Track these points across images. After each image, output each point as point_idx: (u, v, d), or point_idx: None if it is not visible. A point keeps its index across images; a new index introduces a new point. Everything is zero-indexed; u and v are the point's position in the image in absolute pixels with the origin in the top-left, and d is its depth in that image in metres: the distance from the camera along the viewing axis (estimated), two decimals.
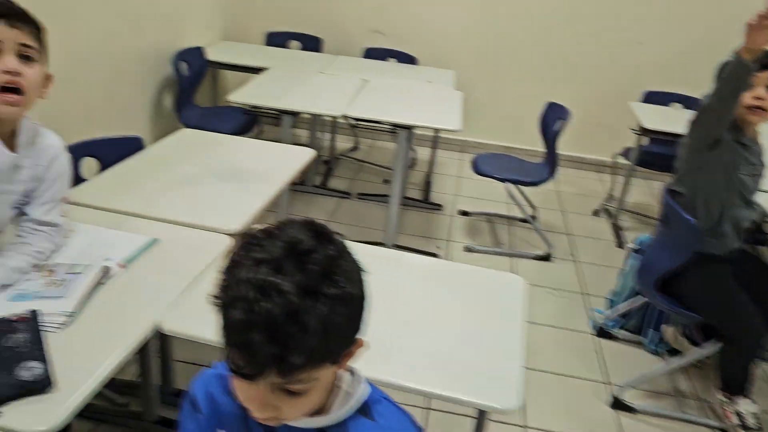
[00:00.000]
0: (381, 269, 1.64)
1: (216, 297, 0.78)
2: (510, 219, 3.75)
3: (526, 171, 3.33)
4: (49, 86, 1.43)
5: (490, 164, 3.33)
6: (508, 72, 4.47)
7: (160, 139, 2.37)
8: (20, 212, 1.51)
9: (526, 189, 3.46)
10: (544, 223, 3.73)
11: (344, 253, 0.81)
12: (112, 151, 2.20)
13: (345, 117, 3.02)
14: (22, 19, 1.31)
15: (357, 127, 4.57)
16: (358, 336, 0.83)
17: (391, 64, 4.09)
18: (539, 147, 3.52)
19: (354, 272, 0.81)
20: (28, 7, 1.37)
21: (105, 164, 2.18)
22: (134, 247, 1.61)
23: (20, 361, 1.15)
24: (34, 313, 1.28)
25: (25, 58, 1.32)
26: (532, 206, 3.63)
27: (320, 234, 0.80)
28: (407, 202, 3.76)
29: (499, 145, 4.62)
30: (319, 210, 3.64)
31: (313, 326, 0.73)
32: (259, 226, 0.84)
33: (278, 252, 0.76)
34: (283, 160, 2.30)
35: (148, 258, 1.60)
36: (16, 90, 1.31)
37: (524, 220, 3.63)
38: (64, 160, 1.55)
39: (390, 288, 1.59)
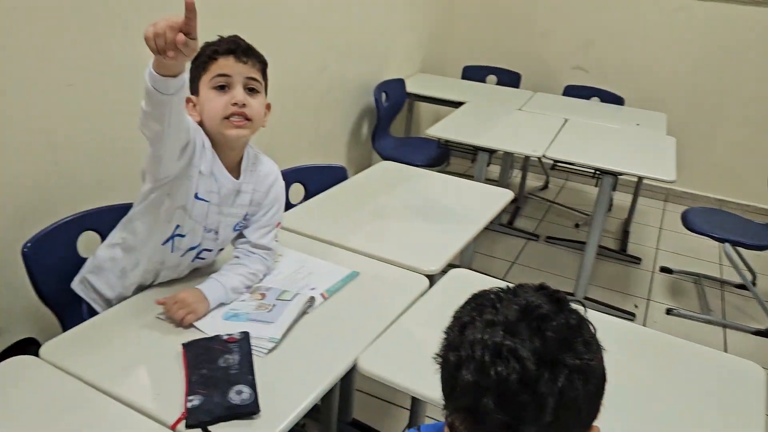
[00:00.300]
0: None
1: (442, 357, 0.76)
2: (723, 283, 3.33)
3: (749, 231, 2.93)
4: (268, 115, 1.51)
5: (706, 220, 2.97)
6: (725, 116, 4.02)
7: (355, 165, 2.43)
8: (239, 234, 1.59)
9: (744, 251, 3.05)
10: (765, 293, 3.25)
11: (584, 323, 0.74)
12: (317, 179, 2.28)
13: (543, 157, 2.88)
14: (249, 54, 1.40)
15: (554, 168, 4.38)
16: (594, 421, 0.73)
17: (594, 103, 3.87)
18: (762, 203, 3.08)
19: (594, 345, 0.74)
20: (253, 42, 1.45)
21: (309, 191, 2.26)
22: (337, 278, 1.62)
23: (233, 383, 1.18)
24: (246, 336, 1.32)
25: (250, 90, 1.41)
26: (752, 271, 3.19)
27: (558, 300, 0.75)
28: (601, 251, 3.49)
29: (710, 197, 4.16)
30: (504, 250, 3.52)
31: (549, 398, 0.67)
32: (488, 288, 0.80)
33: (513, 315, 0.72)
34: (482, 201, 2.22)
35: (349, 290, 1.60)
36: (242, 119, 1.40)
37: (742, 286, 3.19)
38: (280, 186, 1.61)
39: None
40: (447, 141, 3.33)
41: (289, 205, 2.16)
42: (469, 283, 1.71)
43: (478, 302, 0.78)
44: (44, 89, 1.82)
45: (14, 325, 1.88)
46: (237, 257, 1.57)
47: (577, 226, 3.87)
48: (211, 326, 1.38)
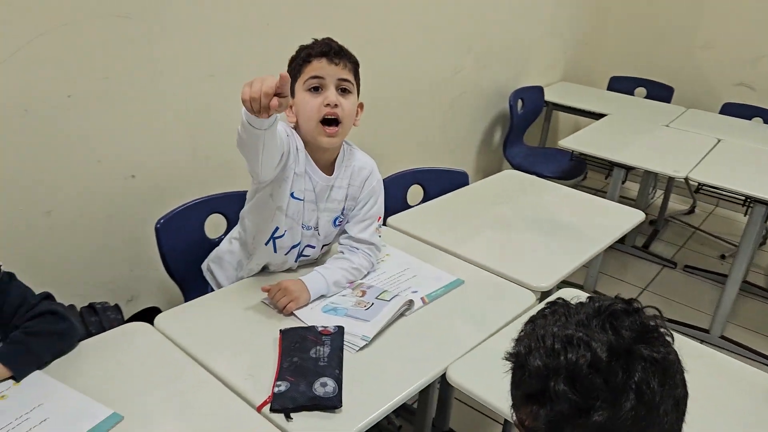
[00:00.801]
0: (696, 369, 1.36)
1: (511, 353, 0.75)
2: None
3: None
4: (361, 114, 1.54)
5: None
6: None
7: (482, 171, 2.38)
8: (342, 231, 1.63)
9: None
10: None
11: (663, 327, 0.72)
12: (437, 182, 2.27)
13: (687, 179, 2.65)
14: (340, 56, 1.43)
15: (698, 191, 4.03)
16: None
17: (756, 124, 3.50)
18: None
19: (673, 353, 0.72)
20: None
21: (429, 193, 2.25)
22: (440, 283, 1.60)
23: (320, 375, 1.20)
24: (340, 331, 1.34)
25: (342, 90, 1.44)
26: None
27: (636, 307, 0.74)
28: (748, 287, 3.16)
29: None
30: (636, 275, 3.29)
31: (625, 389, 0.65)
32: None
33: (586, 313, 0.72)
34: (607, 220, 2.08)
35: (451, 298, 1.57)
36: (334, 121, 1.43)
37: None
38: (376, 180, 1.61)
39: (704, 399, 1.28)
40: (581, 154, 3.17)
41: (405, 206, 2.18)
42: None
43: (552, 306, 0.77)
44: (190, 77, 1.98)
45: (145, 295, 2.06)
46: (341, 252, 1.60)
47: (723, 257, 3.52)
48: (310, 316, 1.42)
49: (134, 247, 1.98)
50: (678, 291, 3.17)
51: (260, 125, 1.22)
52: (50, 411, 1.09)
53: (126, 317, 1.75)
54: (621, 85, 4.10)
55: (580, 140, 2.96)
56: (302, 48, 1.45)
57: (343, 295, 1.50)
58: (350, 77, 1.45)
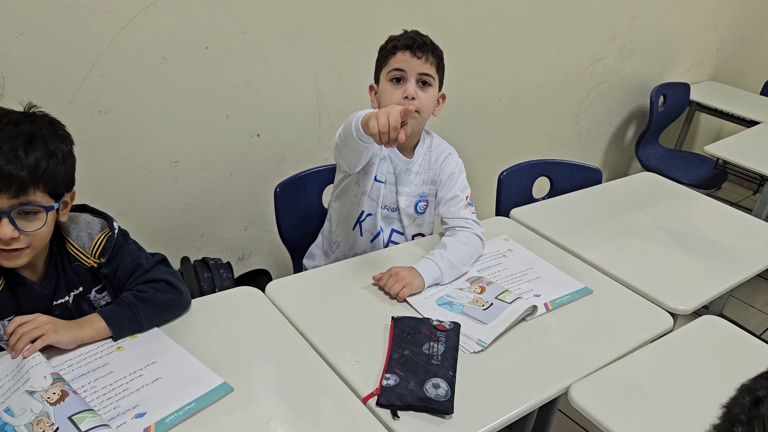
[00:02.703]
0: None
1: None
2: None
3: None
4: (442, 104, 1.56)
5: None
6: None
7: (610, 169, 2.19)
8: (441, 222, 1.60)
9: None
10: None
11: None
12: (568, 176, 2.11)
13: None
14: (424, 50, 1.43)
15: None
16: None
17: None
18: None
19: None
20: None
21: (556, 188, 2.10)
22: (566, 290, 1.46)
23: (432, 375, 1.11)
24: (456, 328, 1.24)
25: (423, 83, 1.46)
26: None
27: None
28: None
29: None
30: (765, 299, 2.96)
31: None
32: None
33: None
34: (758, 242, 1.84)
35: (577, 307, 1.43)
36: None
37: None
38: (455, 161, 1.61)
39: None
40: (726, 163, 2.87)
41: (531, 199, 2.04)
42: (724, 337, 1.43)
43: None
44: (326, 40, 1.92)
45: (256, 255, 2.06)
46: (444, 237, 1.53)
47: None
48: (424, 307, 1.34)
49: (251, 207, 1.97)
50: None
51: (369, 140, 1.29)
52: (163, 370, 1.08)
53: (236, 276, 1.75)
54: None
55: (729, 148, 2.66)
56: (391, 39, 1.48)
57: (460, 289, 1.41)
58: (431, 71, 1.46)
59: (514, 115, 2.70)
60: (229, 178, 1.90)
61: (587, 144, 3.23)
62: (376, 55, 1.50)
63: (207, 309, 1.28)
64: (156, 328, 1.18)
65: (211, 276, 1.61)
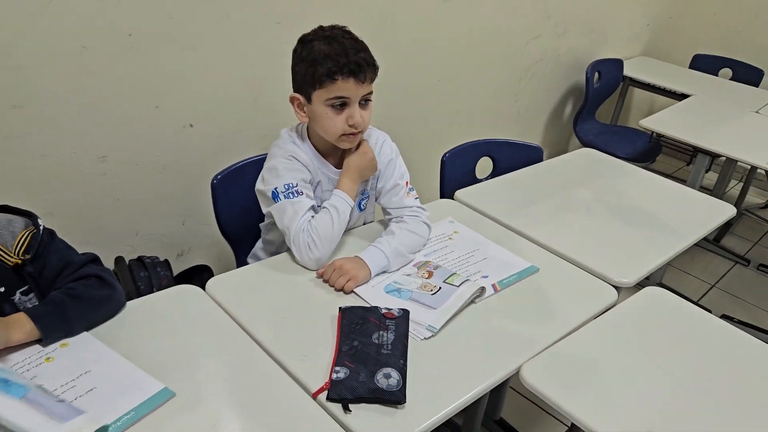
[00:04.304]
0: None
1: None
2: None
3: None
4: None
5: None
6: None
7: (550, 146, 2.22)
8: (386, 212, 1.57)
9: None
10: None
11: None
12: (510, 155, 2.11)
13: None
14: (367, 71, 1.34)
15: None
16: None
17: None
18: None
19: None
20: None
21: (499, 167, 2.10)
22: (513, 270, 1.46)
23: (383, 365, 1.08)
24: (405, 315, 1.22)
25: (364, 101, 1.38)
26: None
27: None
28: None
29: None
30: (705, 270, 3.08)
31: None
32: None
33: None
34: (695, 212, 1.89)
35: (524, 286, 1.43)
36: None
37: None
38: (389, 148, 1.55)
39: None
40: (661, 136, 2.94)
41: (474, 180, 2.03)
42: (667, 307, 1.46)
43: None
44: (257, 23, 1.85)
45: (196, 250, 1.99)
46: (392, 224, 1.50)
47: None
48: (372, 295, 1.31)
49: (188, 201, 1.89)
50: (750, 291, 2.96)
51: None
52: (98, 379, 1.01)
53: (175, 273, 1.68)
54: (705, 64, 3.80)
55: (662, 121, 2.73)
56: (324, 56, 1.31)
57: (407, 275, 1.38)
58: (371, 87, 1.39)
59: (454, 95, 2.68)
60: (163, 172, 1.82)
61: (527, 122, 3.26)
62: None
63: (143, 310, 1.21)
64: (87, 334, 1.10)
65: (147, 275, 1.53)
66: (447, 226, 1.63)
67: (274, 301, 1.28)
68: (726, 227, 3.45)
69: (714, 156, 2.62)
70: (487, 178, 2.03)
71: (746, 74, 3.68)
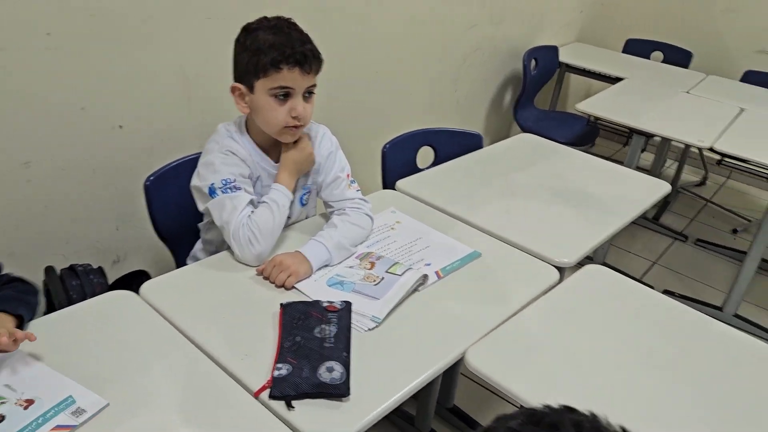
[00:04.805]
0: (711, 347, 1.27)
1: None
2: None
3: None
4: None
5: None
6: None
7: (492, 134, 2.24)
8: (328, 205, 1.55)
9: None
10: None
11: None
12: (450, 144, 2.12)
13: (711, 150, 2.51)
14: (312, 63, 1.33)
15: (720, 164, 3.89)
16: None
17: None
18: None
19: None
20: None
21: (440, 156, 2.10)
22: (456, 256, 1.46)
23: (325, 359, 1.07)
24: (347, 307, 1.20)
25: (308, 93, 1.37)
26: None
27: None
28: (763, 264, 3.05)
29: None
30: (646, 248, 3.17)
31: None
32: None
33: None
34: (631, 190, 1.94)
35: (467, 272, 1.44)
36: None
37: None
38: (329, 141, 1.54)
39: (720, 376, 1.16)
40: (597, 119, 3.01)
41: (415, 170, 2.03)
42: (607, 284, 1.49)
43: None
44: (186, 18, 1.79)
45: (132, 256, 1.92)
46: (334, 217, 1.48)
47: (735, 231, 3.40)
48: (314, 290, 1.28)
49: (121, 205, 1.83)
50: (689, 265, 3.06)
51: None
52: (28, 393, 0.96)
53: (111, 281, 1.61)
54: (637, 48, 3.91)
55: (597, 105, 2.79)
56: (269, 45, 1.29)
57: (349, 267, 1.36)
58: (315, 79, 1.37)
59: (393, 87, 2.68)
60: (93, 175, 1.74)
61: (467, 111, 3.28)
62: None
63: (74, 318, 1.16)
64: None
65: (80, 283, 1.47)
66: (389, 217, 1.62)
67: (213, 302, 1.25)
68: (664, 206, 3.56)
69: (648, 136, 2.69)
70: (428, 168, 2.03)
71: (676, 56, 3.80)
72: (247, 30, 1.34)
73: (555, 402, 0.60)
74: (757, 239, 2.52)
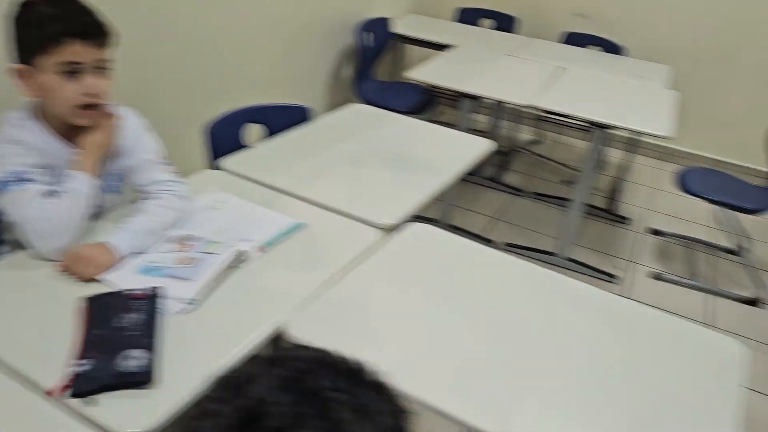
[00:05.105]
0: (540, 291, 1.36)
1: None
2: (713, 248, 3.16)
3: (745, 194, 2.74)
4: None
5: (701, 182, 2.78)
6: (733, 72, 3.77)
7: (334, 108, 2.24)
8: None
9: (740, 216, 2.87)
10: (759, 261, 3.09)
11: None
12: (279, 119, 2.08)
13: (533, 107, 2.67)
14: (98, 34, 1.26)
15: (545, 119, 4.16)
16: None
17: (594, 52, 3.62)
18: (764, 167, 2.89)
19: None
20: None
21: (271, 131, 2.07)
22: (278, 230, 1.45)
23: (125, 347, 1.01)
24: (154, 293, 1.15)
25: (100, 69, 1.28)
26: (746, 237, 3.02)
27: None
28: (589, 210, 3.32)
29: (709, 157, 3.95)
30: (486, 205, 3.34)
31: None
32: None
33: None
34: (457, 150, 2.03)
35: (292, 244, 1.43)
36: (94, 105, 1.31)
37: (732, 251, 3.03)
38: (133, 124, 1.47)
39: (546, 319, 1.26)
40: (432, 87, 3.10)
41: (242, 147, 1.98)
42: (431, 240, 1.55)
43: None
44: None
45: None
46: (143, 203, 1.42)
47: (565, 182, 3.67)
48: (124, 279, 1.22)
49: None
50: (527, 217, 3.27)
51: None
52: None
53: None
54: (469, 16, 4.07)
55: (426, 72, 2.87)
56: (45, 17, 1.22)
57: (163, 252, 1.31)
58: (108, 54, 1.28)
59: (220, 64, 2.59)
60: None
61: (305, 87, 3.26)
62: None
63: None
64: None
65: None
66: (212, 196, 1.57)
67: (10, 305, 1.15)
68: (504, 165, 3.77)
69: (474, 99, 2.81)
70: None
71: (504, 23, 4.01)
72: (24, 4, 1.23)
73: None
74: (578, 186, 2.74)
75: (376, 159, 1.89)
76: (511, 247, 2.93)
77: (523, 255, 2.83)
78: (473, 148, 2.05)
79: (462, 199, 3.33)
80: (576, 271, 2.80)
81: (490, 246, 1.51)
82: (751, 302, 2.77)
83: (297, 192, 1.64)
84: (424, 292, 1.33)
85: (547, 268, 1.44)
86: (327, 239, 1.47)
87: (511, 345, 1.20)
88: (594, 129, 2.62)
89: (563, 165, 3.90)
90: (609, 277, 2.81)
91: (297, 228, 1.47)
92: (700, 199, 2.70)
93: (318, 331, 1.17)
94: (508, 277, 1.42)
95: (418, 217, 1.63)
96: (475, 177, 3.53)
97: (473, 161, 1.99)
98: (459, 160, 1.95)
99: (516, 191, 3.51)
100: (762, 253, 3.17)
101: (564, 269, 2.80)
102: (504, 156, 3.88)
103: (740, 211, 2.69)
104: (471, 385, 1.10)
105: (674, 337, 1.28)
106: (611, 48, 3.70)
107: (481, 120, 4.00)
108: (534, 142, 4.21)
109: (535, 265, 1.45)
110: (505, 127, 4.05)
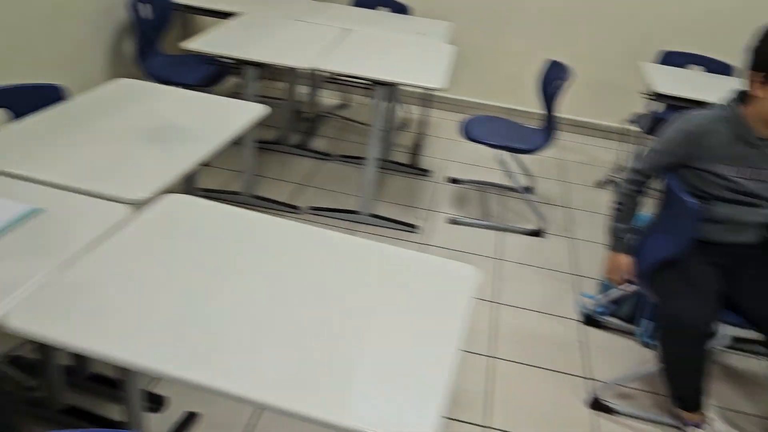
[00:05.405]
0: (294, 245, 1.39)
1: None
2: (503, 189, 3.43)
3: (521, 136, 2.99)
4: None
5: (482, 128, 2.99)
6: (509, 25, 4.07)
7: None
8: None
9: (524, 157, 3.13)
10: (541, 195, 3.40)
11: None
12: (27, 102, 1.91)
13: (317, 70, 2.69)
14: None
15: (348, 84, 4.23)
16: None
17: (381, 13, 3.72)
18: (541, 110, 3.17)
19: None
20: None
21: (19, 116, 1.89)
22: (7, 217, 1.33)
23: None
24: None
25: None
26: (530, 175, 3.31)
27: None
28: (392, 166, 3.46)
29: (498, 106, 4.26)
30: (293, 172, 3.35)
31: None
32: None
33: None
34: (227, 118, 1.99)
35: (25, 232, 1.32)
36: None
37: (516, 190, 3.31)
38: None
39: (297, 268, 1.30)
40: (219, 57, 3.02)
41: None
42: (186, 212, 1.51)
43: None
44: None
45: None
46: None
47: None
48: None
49: None
50: (334, 180, 3.32)
51: None
52: None
53: None
54: None
55: (207, 41, 2.78)
56: None
57: None
58: None
59: None
60: None
61: (78, 66, 3.02)
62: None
63: None
64: None
65: None
66: None
67: None
68: (310, 131, 3.79)
69: (259, 66, 2.78)
70: None
71: None
72: None
73: None
74: (369, 144, 2.82)
75: (135, 134, 1.80)
76: (316, 211, 2.96)
77: (328, 216, 2.88)
78: (244, 115, 2.03)
79: (269, 169, 3.30)
80: (378, 226, 2.91)
81: (295, 212, 1.52)
82: (535, 233, 3.05)
83: (36, 176, 1.52)
84: (177, 265, 1.30)
85: (351, 225, 1.47)
86: (67, 222, 1.38)
87: (261, 303, 1.22)
88: (376, 87, 2.70)
89: (370, 126, 4.00)
90: (410, 227, 2.95)
91: (30, 214, 1.37)
92: (483, 145, 2.91)
93: (44, 321, 1.10)
94: (267, 240, 1.43)
95: (217, 191, 1.59)
96: (281, 145, 3.52)
97: (243, 127, 1.97)
98: (227, 127, 1.92)
99: (323, 156, 3.55)
100: (543, 188, 3.50)
101: (367, 225, 2.89)
102: (310, 122, 3.90)
103: (517, 152, 2.93)
104: (220, 352, 1.10)
105: (428, 271, 1.37)
106: (398, 8, 3.83)
107: (281, 87, 3.97)
108: (341, 107, 4.27)
109: (294, 222, 1.48)
110: (309, 93, 4.06)
